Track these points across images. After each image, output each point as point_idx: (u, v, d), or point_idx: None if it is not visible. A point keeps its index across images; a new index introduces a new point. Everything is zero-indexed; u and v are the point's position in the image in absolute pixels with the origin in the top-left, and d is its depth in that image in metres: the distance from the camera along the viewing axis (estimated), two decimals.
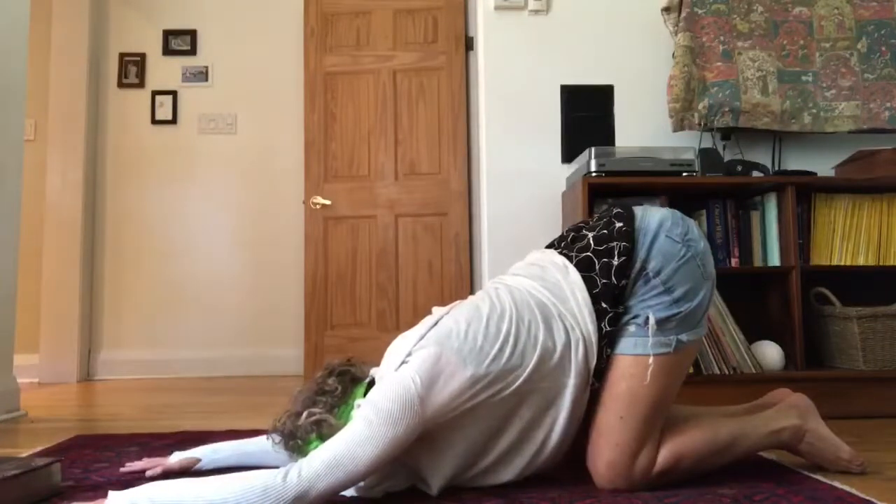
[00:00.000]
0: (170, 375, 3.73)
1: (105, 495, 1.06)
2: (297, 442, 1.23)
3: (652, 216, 1.36)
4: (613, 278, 1.29)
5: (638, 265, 1.30)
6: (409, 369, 1.20)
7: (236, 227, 3.87)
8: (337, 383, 1.29)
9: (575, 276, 1.33)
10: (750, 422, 1.42)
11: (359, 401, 1.23)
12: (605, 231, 1.35)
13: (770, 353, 2.27)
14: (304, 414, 1.24)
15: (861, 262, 2.35)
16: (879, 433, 1.94)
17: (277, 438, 1.27)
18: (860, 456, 1.46)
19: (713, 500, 1.24)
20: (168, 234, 3.86)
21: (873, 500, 1.24)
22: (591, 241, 1.36)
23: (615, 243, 1.32)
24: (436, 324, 1.29)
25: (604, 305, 1.29)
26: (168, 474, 1.44)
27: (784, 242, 2.34)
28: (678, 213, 1.38)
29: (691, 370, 2.19)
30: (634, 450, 1.28)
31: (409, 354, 1.24)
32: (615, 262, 1.30)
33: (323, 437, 1.19)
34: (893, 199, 2.37)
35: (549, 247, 1.48)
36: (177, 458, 1.47)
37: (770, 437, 1.42)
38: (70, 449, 1.77)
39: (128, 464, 1.52)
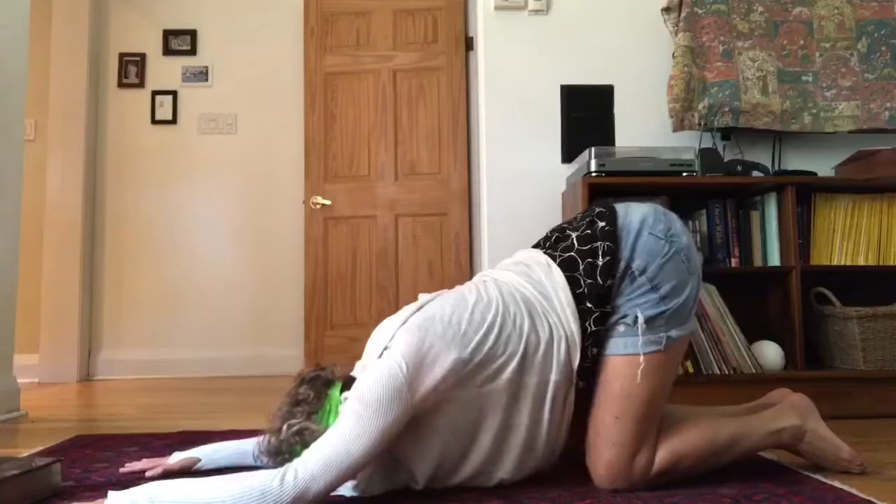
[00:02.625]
0: (170, 375, 3.73)
1: (105, 495, 1.06)
2: (283, 457, 1.23)
3: (634, 214, 1.35)
4: (598, 278, 1.29)
5: (623, 264, 1.30)
6: (395, 355, 1.18)
7: (236, 227, 3.87)
8: (309, 390, 1.28)
9: (558, 275, 1.33)
10: (750, 422, 1.42)
11: (345, 394, 1.22)
12: (588, 231, 1.35)
13: (770, 353, 2.27)
14: (284, 427, 1.24)
15: (861, 262, 2.35)
16: (879, 433, 1.94)
17: (265, 459, 1.27)
18: (860, 456, 1.46)
19: (713, 500, 1.24)
20: (168, 234, 3.86)
21: (873, 499, 1.24)
22: (575, 241, 1.36)
23: (599, 243, 1.32)
24: (419, 309, 1.28)
25: (588, 305, 1.29)
26: (168, 474, 1.44)
27: (784, 242, 2.34)
28: (660, 209, 1.38)
29: (691, 370, 2.19)
30: (632, 449, 1.28)
31: (392, 339, 1.23)
32: (600, 261, 1.30)
33: (307, 445, 1.17)
34: (893, 199, 2.37)
35: (535, 247, 1.48)
36: (177, 458, 1.47)
37: (770, 438, 1.42)
38: (70, 449, 1.77)
39: (128, 464, 1.51)
